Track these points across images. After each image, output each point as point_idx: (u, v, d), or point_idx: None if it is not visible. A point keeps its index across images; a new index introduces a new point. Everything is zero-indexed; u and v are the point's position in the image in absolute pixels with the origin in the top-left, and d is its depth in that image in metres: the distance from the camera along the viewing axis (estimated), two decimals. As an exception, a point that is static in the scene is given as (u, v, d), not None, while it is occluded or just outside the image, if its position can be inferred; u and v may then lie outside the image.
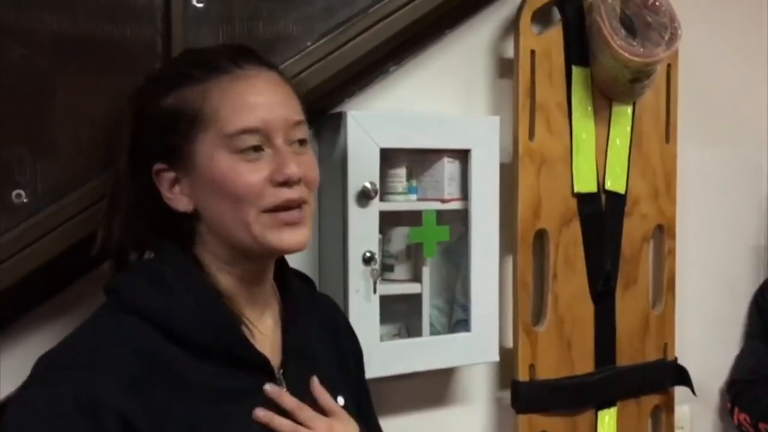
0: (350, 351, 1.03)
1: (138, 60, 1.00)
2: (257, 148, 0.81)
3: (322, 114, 1.21)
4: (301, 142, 0.85)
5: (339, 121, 1.17)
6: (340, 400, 0.92)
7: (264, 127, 0.81)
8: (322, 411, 0.89)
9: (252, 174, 0.80)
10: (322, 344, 0.96)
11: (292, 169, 0.80)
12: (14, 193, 0.95)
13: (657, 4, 1.39)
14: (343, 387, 0.95)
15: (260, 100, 0.82)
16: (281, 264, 0.94)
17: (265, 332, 0.88)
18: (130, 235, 0.88)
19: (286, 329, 0.90)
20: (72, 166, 0.97)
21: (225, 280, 0.86)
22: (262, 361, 0.84)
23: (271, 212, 0.81)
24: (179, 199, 0.84)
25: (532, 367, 1.38)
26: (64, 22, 0.96)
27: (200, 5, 1.04)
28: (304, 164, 0.83)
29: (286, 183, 0.81)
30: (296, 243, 0.83)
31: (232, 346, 0.82)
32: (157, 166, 0.84)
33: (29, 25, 0.94)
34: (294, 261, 1.20)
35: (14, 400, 0.77)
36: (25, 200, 0.95)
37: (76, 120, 0.97)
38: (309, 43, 1.13)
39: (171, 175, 0.84)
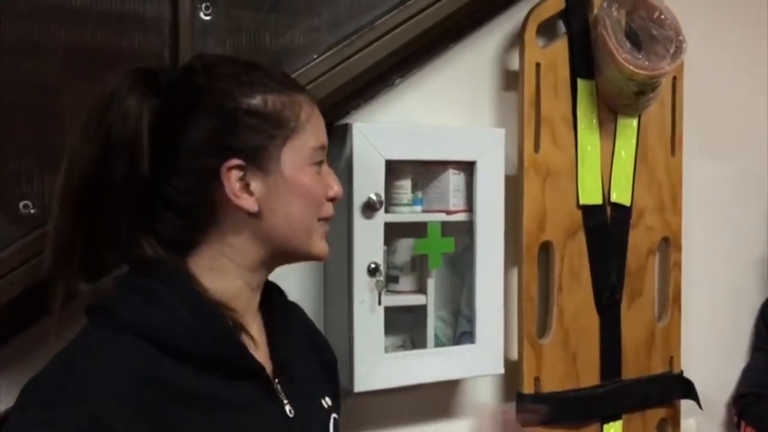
0: (329, 357, 1.04)
1: (145, 72, 1.00)
2: (320, 164, 0.89)
3: (328, 126, 1.21)
4: None
5: (345, 132, 1.18)
6: (327, 401, 0.94)
7: (325, 147, 0.90)
8: (315, 414, 0.90)
9: (321, 186, 0.88)
10: (302, 349, 0.97)
11: (341, 191, 0.91)
12: (21, 203, 0.96)
13: (662, 17, 1.39)
14: (328, 389, 0.96)
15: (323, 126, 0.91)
16: None
17: (257, 339, 0.88)
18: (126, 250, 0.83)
19: (273, 336, 0.91)
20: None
21: (234, 286, 0.86)
22: (259, 369, 0.84)
23: (322, 221, 0.89)
24: (245, 199, 0.83)
25: (537, 379, 1.37)
26: (72, 35, 0.97)
27: (208, 17, 1.05)
28: None
29: (334, 199, 0.91)
30: (328, 251, 0.92)
31: (233, 357, 0.82)
32: (233, 161, 0.82)
33: (38, 38, 0.95)
34: (300, 271, 1.21)
35: (9, 429, 0.73)
36: (32, 211, 0.96)
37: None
38: (315, 56, 1.14)
39: (241, 173, 0.83)
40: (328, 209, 0.89)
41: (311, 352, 0.99)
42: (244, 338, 0.84)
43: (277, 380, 0.87)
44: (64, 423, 0.70)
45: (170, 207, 0.84)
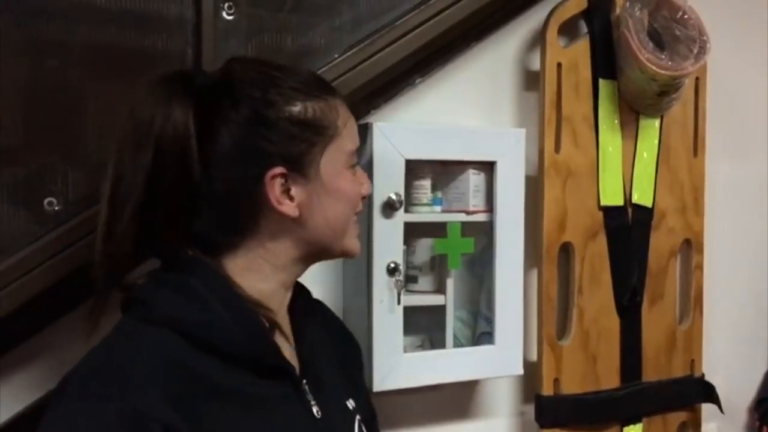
0: (353, 353, 1.05)
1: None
2: (355, 165, 0.92)
3: (349, 125, 1.22)
4: None
5: (365, 132, 1.18)
6: (351, 403, 0.94)
7: (358, 147, 0.93)
8: (340, 416, 0.90)
9: (357, 186, 0.91)
10: (326, 348, 0.98)
11: (370, 188, 0.97)
12: (46, 200, 0.97)
13: (686, 17, 1.38)
14: (352, 389, 0.97)
15: None
16: None
17: (289, 338, 0.90)
18: (163, 241, 0.85)
19: (298, 336, 0.91)
20: (102, 174, 0.98)
21: (269, 286, 0.87)
22: (289, 369, 0.85)
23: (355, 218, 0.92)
24: (287, 205, 0.85)
25: (556, 381, 1.37)
26: (96, 35, 0.98)
27: (230, 17, 1.05)
28: None
29: (364, 197, 0.93)
30: (359, 247, 0.95)
31: (266, 355, 0.83)
32: (277, 170, 0.83)
33: (63, 37, 0.96)
34: (318, 270, 1.21)
35: (50, 419, 0.73)
36: (56, 208, 0.97)
37: (107, 130, 0.99)
38: (336, 55, 1.14)
39: (283, 180, 0.84)
40: (360, 207, 0.93)
41: (336, 350, 1.00)
42: (279, 337, 0.85)
43: (304, 380, 0.87)
44: (107, 414, 0.71)
45: (209, 209, 0.84)
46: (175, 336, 0.78)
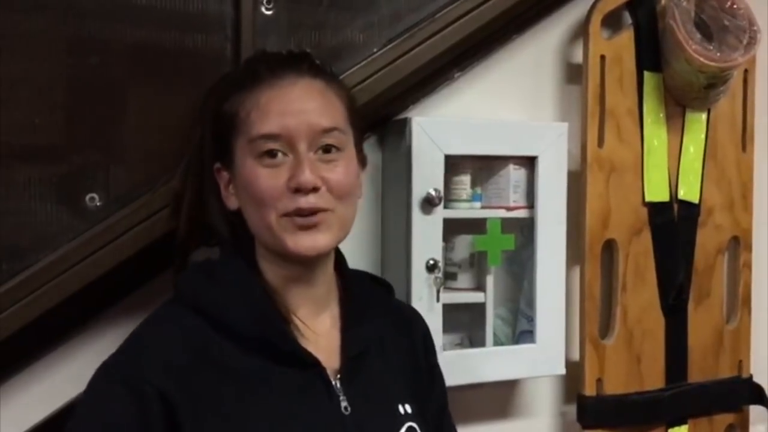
0: (425, 362, 1.01)
1: (208, 68, 1.01)
2: (273, 153, 0.83)
3: (387, 120, 1.21)
4: (330, 148, 0.85)
5: (404, 127, 1.17)
6: (407, 408, 0.91)
7: (285, 133, 0.83)
8: (380, 417, 0.88)
9: (269, 179, 0.83)
10: (394, 351, 0.95)
11: (305, 177, 0.82)
12: (88, 196, 0.98)
13: (734, 6, 1.34)
14: (412, 396, 0.94)
15: (287, 108, 0.84)
16: (341, 267, 0.95)
17: (320, 333, 0.89)
18: (194, 230, 0.93)
19: (345, 333, 0.90)
20: (144, 170, 1.00)
21: (273, 277, 0.89)
22: (309, 359, 0.84)
23: (288, 216, 0.83)
24: (230, 198, 0.90)
25: (599, 381, 1.34)
26: (137, 32, 0.99)
27: (269, 13, 1.05)
28: (329, 171, 0.84)
29: (299, 190, 0.82)
30: (309, 248, 0.84)
31: (274, 340, 0.83)
32: (216, 165, 0.90)
33: (104, 35, 0.97)
34: (356, 266, 1.20)
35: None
36: (98, 204, 0.98)
37: (148, 126, 1.00)
38: (375, 50, 1.13)
39: (226, 174, 0.90)
40: (289, 202, 0.82)
41: (409, 355, 0.98)
42: (298, 327, 0.85)
43: (339, 376, 0.87)
44: (115, 379, 0.80)
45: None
46: (197, 316, 0.83)
